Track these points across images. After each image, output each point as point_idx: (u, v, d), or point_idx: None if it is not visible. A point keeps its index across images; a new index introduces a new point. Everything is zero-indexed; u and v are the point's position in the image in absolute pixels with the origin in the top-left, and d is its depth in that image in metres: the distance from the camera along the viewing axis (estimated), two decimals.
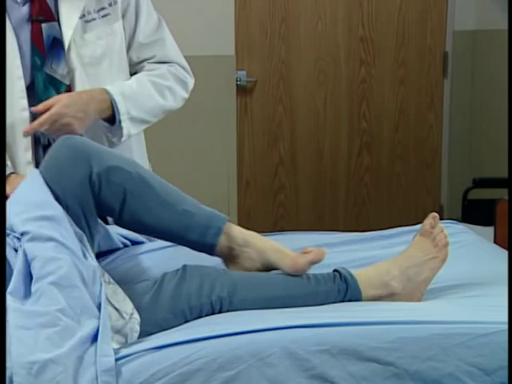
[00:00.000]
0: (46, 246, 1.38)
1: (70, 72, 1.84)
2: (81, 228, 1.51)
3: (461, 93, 4.01)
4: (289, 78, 3.91)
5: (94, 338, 1.30)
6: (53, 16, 1.82)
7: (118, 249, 1.85)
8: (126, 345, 1.36)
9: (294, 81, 3.91)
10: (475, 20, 3.92)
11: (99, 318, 1.33)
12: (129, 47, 1.97)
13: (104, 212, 1.58)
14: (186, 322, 1.45)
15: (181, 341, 1.32)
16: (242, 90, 3.85)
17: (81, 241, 1.46)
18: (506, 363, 1.32)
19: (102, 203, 1.54)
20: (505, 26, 3.41)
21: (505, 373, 1.33)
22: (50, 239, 1.39)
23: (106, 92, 1.84)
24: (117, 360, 1.29)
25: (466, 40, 3.95)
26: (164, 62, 2.00)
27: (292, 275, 1.55)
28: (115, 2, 1.90)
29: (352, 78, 3.95)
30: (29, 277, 1.35)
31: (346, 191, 4.07)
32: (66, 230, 1.44)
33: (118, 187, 1.53)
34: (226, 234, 1.57)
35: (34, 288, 1.33)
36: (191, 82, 2.05)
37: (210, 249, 1.58)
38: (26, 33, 1.80)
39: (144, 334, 1.41)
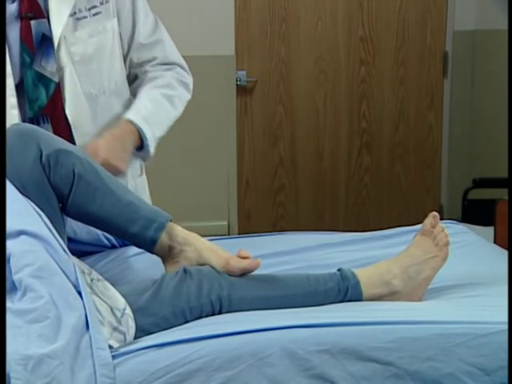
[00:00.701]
0: (18, 241, 1.38)
1: (60, 70, 1.82)
2: (48, 215, 1.50)
3: (461, 93, 4.01)
4: (289, 78, 3.91)
5: (86, 326, 1.30)
6: (42, 13, 1.80)
7: (105, 246, 1.85)
8: (125, 343, 1.36)
9: (294, 81, 3.91)
10: (475, 20, 3.92)
11: (84, 305, 1.33)
12: (128, 48, 1.97)
13: (57, 197, 1.56)
14: (186, 322, 1.45)
15: (180, 340, 1.32)
16: (242, 90, 3.85)
17: (49, 228, 1.45)
18: (506, 363, 1.32)
19: (54, 187, 1.53)
20: (505, 26, 3.41)
21: (505, 373, 1.33)
22: (21, 233, 1.39)
23: (131, 122, 1.84)
24: (116, 358, 1.29)
25: (466, 40, 3.95)
26: (164, 64, 2.00)
27: (290, 276, 1.56)
28: (107, 1, 1.89)
29: (352, 77, 3.95)
30: (10, 274, 1.35)
31: (346, 191, 4.07)
32: (34, 219, 1.44)
33: (66, 170, 1.53)
34: (167, 232, 1.57)
35: (15, 280, 1.32)
36: (191, 81, 2.06)
37: (150, 243, 1.57)
38: (15, 30, 1.79)
39: (144, 333, 1.41)
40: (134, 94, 2.00)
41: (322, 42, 3.89)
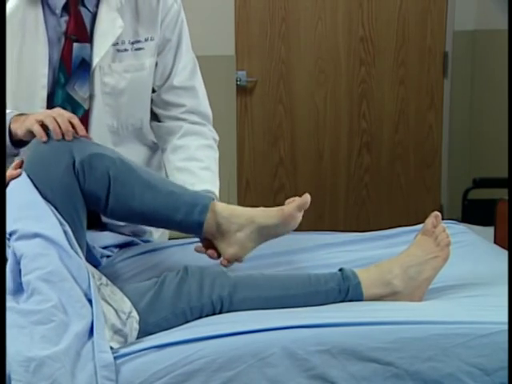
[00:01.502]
0: (32, 243, 1.38)
1: (91, 97, 1.81)
2: (71, 223, 1.50)
3: (461, 93, 4.01)
4: (289, 78, 3.91)
5: (90, 332, 1.31)
6: (87, 37, 1.78)
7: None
8: (126, 344, 1.36)
9: (294, 81, 3.91)
10: (475, 20, 3.92)
11: (92, 312, 1.33)
12: (160, 86, 1.93)
13: (91, 203, 1.56)
14: (187, 322, 1.45)
15: (181, 340, 1.32)
16: (242, 90, 3.85)
17: (68, 236, 1.46)
18: (506, 363, 1.32)
19: (88, 192, 1.53)
20: (505, 26, 3.41)
21: (505, 373, 1.33)
22: (36, 235, 1.39)
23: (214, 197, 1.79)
24: (117, 359, 1.29)
25: (466, 40, 3.95)
26: (195, 113, 1.96)
27: (290, 276, 1.56)
28: (152, 39, 1.85)
29: (352, 77, 3.95)
30: (19, 274, 1.36)
31: (346, 191, 4.07)
32: (52, 224, 1.44)
33: (101, 174, 1.53)
34: (212, 211, 1.57)
35: (23, 282, 1.33)
36: (217, 136, 2.03)
37: (197, 227, 1.57)
38: (59, 47, 1.77)
39: (144, 333, 1.41)
40: (162, 134, 1.96)
41: (322, 42, 3.89)
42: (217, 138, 2.01)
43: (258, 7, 3.81)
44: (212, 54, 3.63)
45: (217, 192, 1.85)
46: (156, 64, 1.90)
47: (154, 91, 1.94)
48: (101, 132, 1.83)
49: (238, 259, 1.60)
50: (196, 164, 1.89)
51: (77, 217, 1.54)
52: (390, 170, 4.07)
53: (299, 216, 1.57)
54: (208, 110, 2.01)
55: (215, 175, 1.91)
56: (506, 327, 1.35)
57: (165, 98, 1.94)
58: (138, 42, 1.85)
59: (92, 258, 1.78)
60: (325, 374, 1.31)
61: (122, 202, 1.55)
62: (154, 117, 1.98)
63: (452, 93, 4.02)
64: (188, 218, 1.56)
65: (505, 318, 1.36)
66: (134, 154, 1.86)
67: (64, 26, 1.77)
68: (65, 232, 1.45)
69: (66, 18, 1.77)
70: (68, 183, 1.52)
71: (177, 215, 1.56)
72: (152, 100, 1.95)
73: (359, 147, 4.03)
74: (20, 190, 1.51)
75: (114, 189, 1.54)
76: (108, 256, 1.83)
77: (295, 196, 1.62)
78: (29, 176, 1.52)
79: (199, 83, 1.99)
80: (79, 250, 1.46)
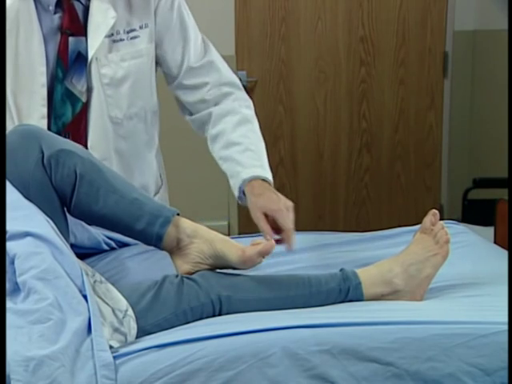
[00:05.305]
0: (24, 242, 1.37)
1: (89, 90, 1.82)
2: (52, 218, 1.49)
3: (461, 93, 4.01)
4: (289, 78, 3.91)
5: (88, 329, 1.30)
6: (82, 31, 1.79)
7: (104, 250, 1.84)
8: (126, 344, 1.36)
9: (294, 81, 3.91)
10: (475, 20, 3.92)
11: (88, 309, 1.33)
12: (178, 73, 1.92)
13: (60, 198, 1.56)
14: (187, 322, 1.45)
15: (181, 340, 1.32)
16: None
17: (56, 232, 1.45)
18: (506, 363, 1.32)
19: (56, 188, 1.52)
20: (505, 25, 3.41)
21: (505, 373, 1.33)
22: (27, 234, 1.38)
23: (264, 179, 1.81)
24: (117, 358, 1.29)
25: (466, 40, 3.95)
26: (221, 85, 1.95)
27: (291, 276, 1.56)
28: (146, 26, 1.86)
29: (352, 77, 3.95)
30: (14, 275, 1.35)
31: (346, 191, 4.07)
32: (41, 222, 1.44)
33: (69, 170, 1.51)
34: (174, 225, 1.54)
35: (19, 282, 1.32)
36: (250, 101, 2.03)
37: (156, 239, 1.54)
38: (54, 43, 1.79)
39: (144, 333, 1.41)
40: (198, 126, 1.98)
41: (322, 42, 3.89)
42: (248, 101, 1.99)
43: (258, 7, 3.81)
44: None
45: (266, 173, 1.82)
46: (164, 56, 1.91)
47: (173, 82, 1.94)
48: (102, 124, 1.84)
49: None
50: (235, 149, 1.86)
51: (56, 211, 1.53)
52: (390, 170, 4.07)
53: (259, 260, 1.53)
54: (232, 77, 1.99)
55: (258, 152, 1.88)
56: (506, 327, 1.35)
57: (186, 83, 1.93)
58: (133, 30, 1.85)
59: (94, 242, 1.78)
60: (325, 374, 1.31)
61: (84, 202, 1.53)
62: (185, 110, 1.98)
63: (452, 93, 4.02)
64: (148, 229, 1.53)
65: (505, 318, 1.36)
66: (139, 146, 1.89)
67: (58, 22, 1.78)
68: (51, 227, 1.45)
69: (59, 13, 1.78)
70: (40, 178, 1.51)
71: (138, 224, 1.53)
72: (176, 93, 1.95)
73: (359, 147, 4.03)
74: None
75: (80, 187, 1.52)
76: (110, 247, 1.84)
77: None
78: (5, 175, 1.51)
79: (215, 56, 1.98)
80: (68, 246, 1.46)
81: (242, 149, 1.86)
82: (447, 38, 3.96)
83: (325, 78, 3.93)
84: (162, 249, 1.57)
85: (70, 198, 1.53)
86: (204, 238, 1.54)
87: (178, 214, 1.57)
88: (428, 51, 3.97)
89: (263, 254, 1.53)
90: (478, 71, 3.95)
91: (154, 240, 1.55)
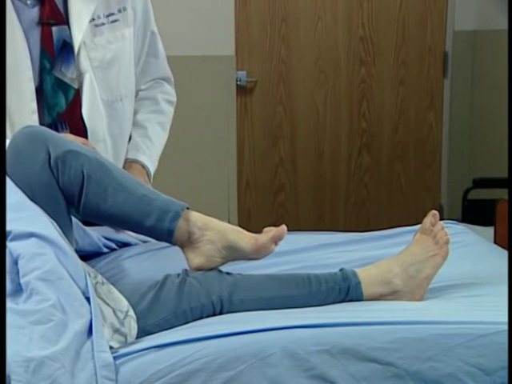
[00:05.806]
0: (28, 243, 1.37)
1: (80, 76, 1.83)
2: (57, 220, 1.49)
3: (461, 93, 4.01)
4: (289, 78, 3.91)
5: (89, 331, 1.30)
6: (63, 19, 1.81)
7: (103, 253, 1.84)
8: (126, 344, 1.36)
9: (294, 81, 3.91)
10: (475, 20, 3.92)
11: (90, 311, 1.33)
12: (138, 60, 2.01)
13: (67, 199, 1.55)
14: (187, 323, 1.45)
15: (181, 340, 1.32)
16: (242, 90, 3.85)
17: (60, 234, 1.45)
18: (506, 363, 1.32)
19: (64, 189, 1.52)
20: (505, 25, 3.41)
21: (505, 373, 1.33)
22: (31, 235, 1.39)
23: (143, 165, 2.00)
24: (117, 359, 1.29)
25: (466, 40, 3.95)
26: (156, 79, 2.08)
27: (290, 276, 1.55)
28: (124, 9, 1.90)
29: (352, 78, 3.95)
30: (17, 275, 1.36)
31: (346, 191, 4.07)
32: (45, 223, 1.44)
33: (76, 171, 1.51)
34: (184, 219, 1.53)
35: (22, 283, 1.33)
36: (175, 95, 2.14)
37: (167, 234, 1.53)
38: (36, 35, 1.79)
39: (145, 333, 1.41)
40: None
41: (321, 42, 3.89)
42: (172, 98, 2.13)
43: (258, 7, 3.81)
44: (212, 54, 3.63)
45: (148, 162, 2.00)
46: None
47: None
48: (95, 107, 1.86)
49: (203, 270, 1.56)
50: (138, 131, 2.04)
51: (61, 213, 1.53)
52: (390, 170, 4.07)
53: (273, 247, 1.53)
54: (167, 72, 2.12)
55: (154, 142, 2.04)
56: (506, 327, 1.35)
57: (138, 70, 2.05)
58: (112, 14, 1.89)
59: (95, 247, 1.78)
60: (325, 374, 1.31)
61: (93, 201, 1.52)
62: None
63: (452, 93, 4.02)
64: (158, 224, 1.52)
65: (505, 318, 1.36)
66: (128, 127, 1.99)
67: (37, 15, 1.79)
68: (55, 228, 1.45)
69: (37, 6, 1.80)
70: (46, 180, 1.51)
71: (148, 220, 1.52)
72: None
73: (359, 147, 4.03)
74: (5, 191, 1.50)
75: (88, 187, 1.51)
76: (110, 249, 1.84)
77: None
78: (9, 176, 1.51)
79: (160, 46, 2.08)
80: (72, 248, 1.46)
81: (143, 133, 2.03)
82: (447, 38, 3.97)
83: (325, 78, 3.93)
84: (174, 243, 1.56)
85: (78, 198, 1.53)
86: (215, 230, 1.53)
87: (188, 208, 1.56)
88: (428, 51, 3.97)
89: (276, 240, 1.53)
90: (478, 71, 3.95)
91: (165, 235, 1.54)
